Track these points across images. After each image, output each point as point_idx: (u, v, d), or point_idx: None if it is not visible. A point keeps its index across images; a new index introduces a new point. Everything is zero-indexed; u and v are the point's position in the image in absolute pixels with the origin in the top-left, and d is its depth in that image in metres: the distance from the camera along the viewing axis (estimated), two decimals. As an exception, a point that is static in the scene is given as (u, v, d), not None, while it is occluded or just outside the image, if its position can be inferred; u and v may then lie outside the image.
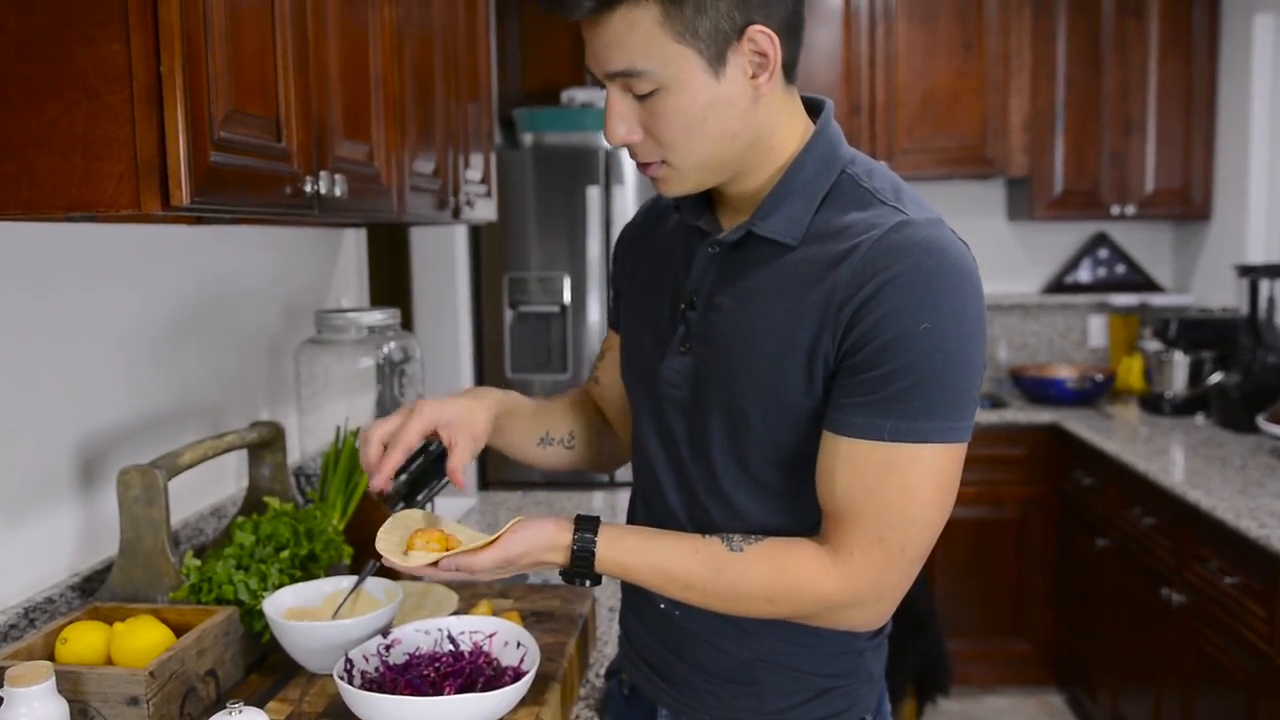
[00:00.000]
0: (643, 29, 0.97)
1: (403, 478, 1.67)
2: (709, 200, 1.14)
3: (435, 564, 1.05)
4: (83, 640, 1.23)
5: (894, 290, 0.95)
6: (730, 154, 1.04)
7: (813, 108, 1.11)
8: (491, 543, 1.05)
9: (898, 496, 0.98)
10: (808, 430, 1.04)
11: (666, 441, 1.15)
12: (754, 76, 1.00)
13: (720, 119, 1.00)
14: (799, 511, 1.08)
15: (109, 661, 1.23)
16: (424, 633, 1.27)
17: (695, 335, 1.10)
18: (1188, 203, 3.79)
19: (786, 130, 1.07)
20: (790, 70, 1.05)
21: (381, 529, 1.10)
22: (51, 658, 1.22)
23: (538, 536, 1.05)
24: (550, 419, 1.31)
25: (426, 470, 1.69)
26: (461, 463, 1.14)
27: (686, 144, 1.02)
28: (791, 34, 1.02)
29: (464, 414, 1.17)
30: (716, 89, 0.99)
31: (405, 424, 1.14)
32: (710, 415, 1.09)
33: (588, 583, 1.07)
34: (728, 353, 1.06)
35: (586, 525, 1.06)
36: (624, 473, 3.61)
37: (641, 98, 1.01)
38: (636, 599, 1.22)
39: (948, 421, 0.97)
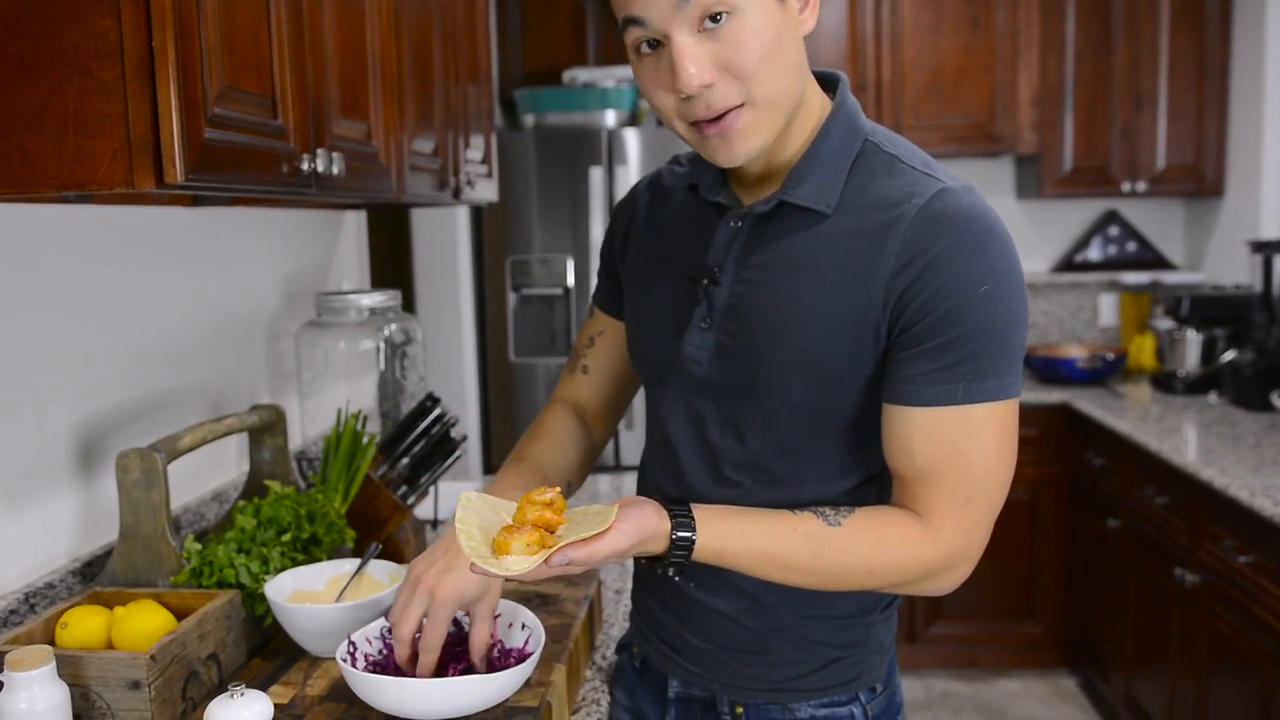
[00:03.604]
0: None
1: (405, 461, 1.66)
2: (724, 177, 1.13)
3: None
4: (83, 624, 1.22)
5: (949, 260, 0.97)
6: (796, 94, 1.02)
7: (826, 83, 1.11)
8: (600, 535, 0.93)
9: (978, 455, 1.00)
10: (852, 397, 1.04)
11: (690, 420, 1.14)
12: (801, 10, 1.00)
13: (789, 48, 0.99)
14: (833, 476, 1.09)
15: (110, 646, 1.22)
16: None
17: (719, 311, 1.09)
18: (1200, 179, 3.75)
19: (810, 99, 1.06)
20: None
21: (459, 523, 0.94)
22: (52, 642, 1.21)
23: (644, 527, 0.96)
24: (547, 483, 1.24)
25: (429, 454, 1.68)
26: (481, 639, 1.12)
27: (768, 72, 0.97)
28: None
29: (479, 586, 1.13)
30: (782, 16, 0.98)
31: (431, 619, 1.11)
32: (744, 391, 1.08)
33: (671, 571, 1.02)
34: (762, 326, 1.06)
35: (682, 511, 1.00)
36: (629, 455, 3.59)
37: (714, 28, 0.95)
38: (649, 573, 1.22)
39: (1009, 377, 1.00)
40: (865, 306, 1.00)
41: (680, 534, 0.98)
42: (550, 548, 0.90)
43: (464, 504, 0.97)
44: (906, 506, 1.03)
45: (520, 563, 0.89)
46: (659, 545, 0.98)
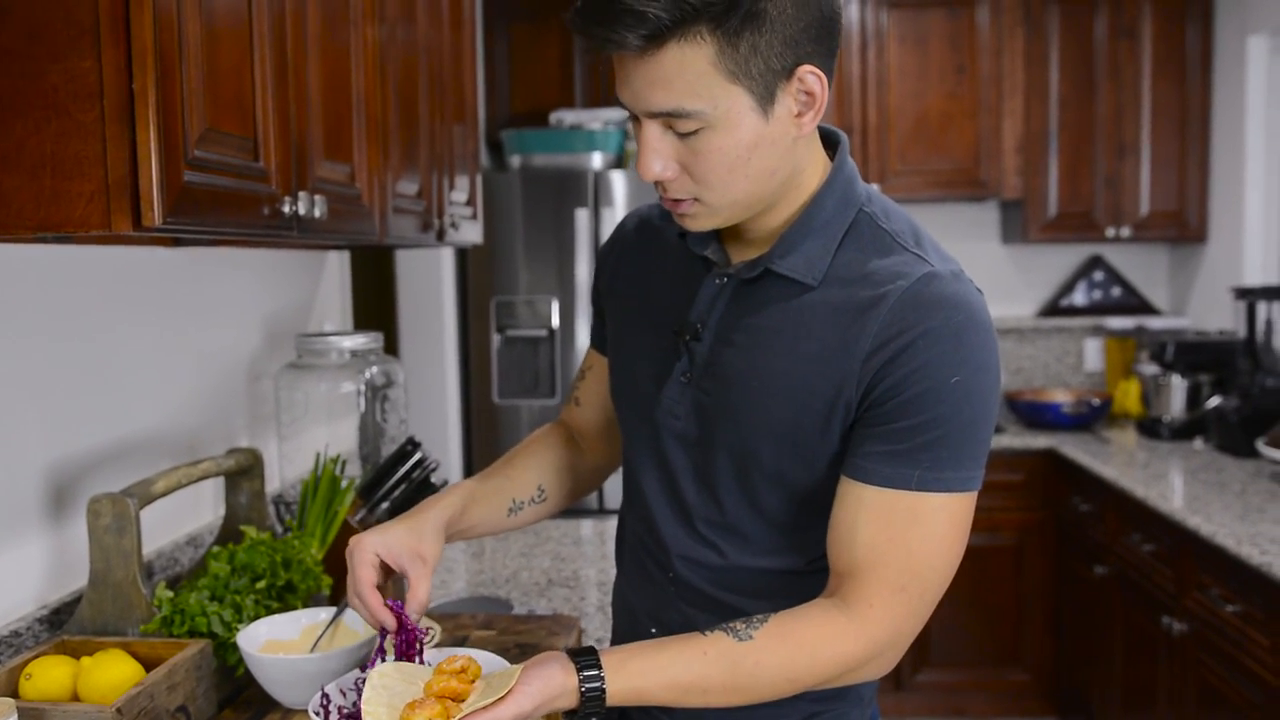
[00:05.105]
0: (695, 68, 0.92)
1: (384, 506, 1.64)
2: (715, 232, 1.11)
3: None
4: (48, 675, 1.19)
5: (926, 345, 0.96)
6: (766, 191, 1.01)
7: (825, 138, 1.09)
8: (501, 700, 0.93)
9: (920, 545, 0.98)
10: (819, 469, 1.04)
11: (664, 472, 1.13)
12: (799, 115, 0.98)
13: (763, 158, 0.98)
14: (805, 542, 1.07)
15: (76, 698, 1.19)
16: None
17: (699, 367, 1.08)
18: (1183, 225, 3.78)
19: (813, 166, 1.05)
20: None
21: (364, 704, 0.96)
22: (15, 694, 1.18)
23: (549, 686, 0.95)
24: (513, 485, 1.25)
25: (410, 499, 1.65)
26: (419, 598, 1.07)
27: (726, 183, 0.98)
28: (831, 72, 1.00)
29: (407, 536, 1.10)
30: (764, 129, 0.96)
31: (354, 571, 1.08)
32: (718, 450, 1.07)
33: None
34: (739, 390, 1.05)
35: (589, 662, 0.97)
36: (613, 499, 3.56)
37: (683, 135, 0.97)
38: (625, 630, 1.21)
39: (969, 470, 0.99)
40: (839, 383, 0.99)
41: (589, 685, 0.95)
42: (454, 717, 0.92)
43: (374, 681, 0.98)
44: (835, 596, 1.00)
45: None
46: (569, 700, 0.96)
